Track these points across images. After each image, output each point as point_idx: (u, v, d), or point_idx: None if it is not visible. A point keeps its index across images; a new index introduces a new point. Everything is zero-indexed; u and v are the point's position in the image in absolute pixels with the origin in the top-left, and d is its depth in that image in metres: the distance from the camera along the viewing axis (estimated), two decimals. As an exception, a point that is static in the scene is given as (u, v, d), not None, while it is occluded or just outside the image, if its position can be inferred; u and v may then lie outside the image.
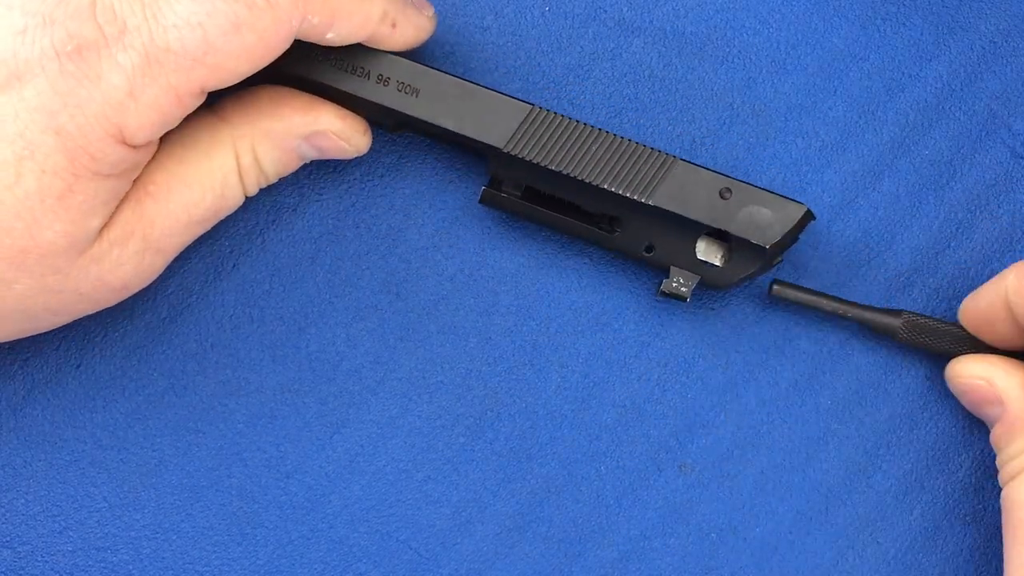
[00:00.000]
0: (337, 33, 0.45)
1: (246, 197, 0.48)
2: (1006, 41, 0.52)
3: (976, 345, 0.49)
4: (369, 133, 0.49)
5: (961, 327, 0.50)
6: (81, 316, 0.46)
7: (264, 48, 0.42)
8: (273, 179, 0.48)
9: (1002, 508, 0.47)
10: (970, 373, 0.49)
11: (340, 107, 0.48)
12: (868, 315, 0.50)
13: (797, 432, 0.51)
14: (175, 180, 0.45)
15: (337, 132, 0.47)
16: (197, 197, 0.46)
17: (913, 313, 0.50)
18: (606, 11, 0.52)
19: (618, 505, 0.51)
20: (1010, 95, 0.52)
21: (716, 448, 0.51)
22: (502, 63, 0.52)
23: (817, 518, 0.51)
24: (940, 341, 0.50)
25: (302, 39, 0.44)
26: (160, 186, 0.45)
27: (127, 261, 0.44)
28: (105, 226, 0.43)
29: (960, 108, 0.52)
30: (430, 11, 0.48)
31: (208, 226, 0.47)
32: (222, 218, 0.48)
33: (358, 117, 0.48)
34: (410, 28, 0.47)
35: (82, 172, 0.41)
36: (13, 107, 0.40)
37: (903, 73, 0.52)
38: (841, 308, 0.50)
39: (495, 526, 0.51)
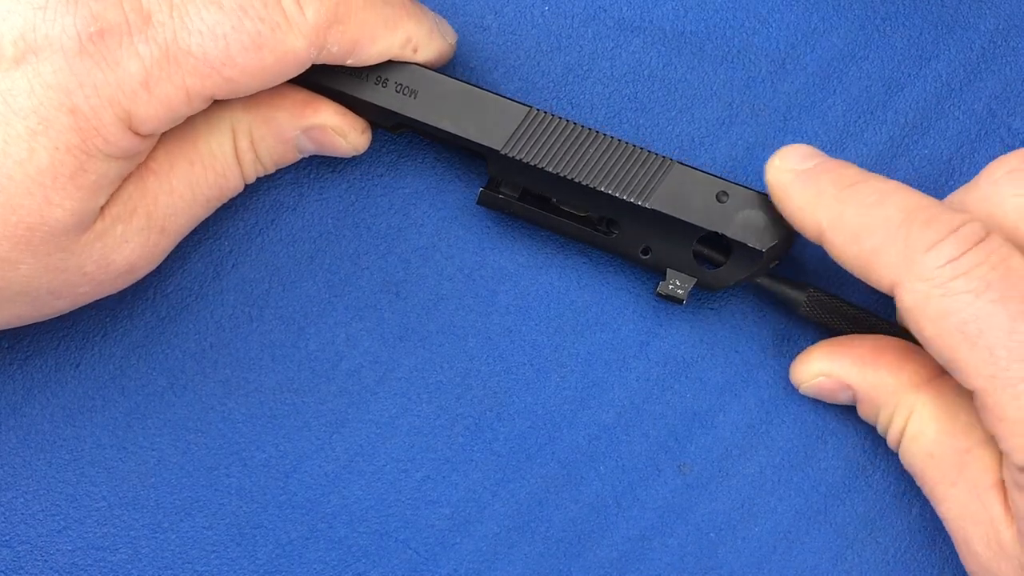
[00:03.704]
0: (357, 59, 0.45)
1: (245, 185, 0.48)
2: (1006, 41, 0.52)
3: (871, 327, 0.49)
4: (368, 132, 0.49)
5: (860, 308, 0.49)
6: (85, 302, 0.46)
7: (280, 69, 0.43)
8: (271, 168, 0.48)
9: (908, 468, 0.47)
10: (807, 376, 0.49)
11: (340, 105, 0.48)
12: (773, 285, 0.49)
13: (796, 431, 0.51)
14: (177, 158, 0.45)
15: (335, 128, 0.48)
16: (199, 175, 0.46)
17: (819, 289, 0.49)
18: (606, 11, 0.52)
19: (617, 505, 0.51)
20: (1010, 95, 0.52)
21: (715, 448, 0.51)
22: (502, 62, 0.52)
23: (816, 517, 0.51)
24: (838, 320, 0.49)
25: (321, 63, 0.45)
26: (162, 163, 0.45)
27: (131, 239, 0.44)
28: (108, 203, 0.44)
29: (960, 108, 0.52)
30: (453, 39, 0.49)
31: (211, 208, 0.47)
32: (224, 201, 0.48)
33: (358, 116, 0.48)
34: (431, 53, 0.47)
35: (94, 152, 0.41)
36: (28, 81, 0.40)
37: (903, 73, 0.52)
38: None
39: (494, 526, 0.51)
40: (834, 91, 0.52)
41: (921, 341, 0.43)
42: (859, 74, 0.52)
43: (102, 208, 0.43)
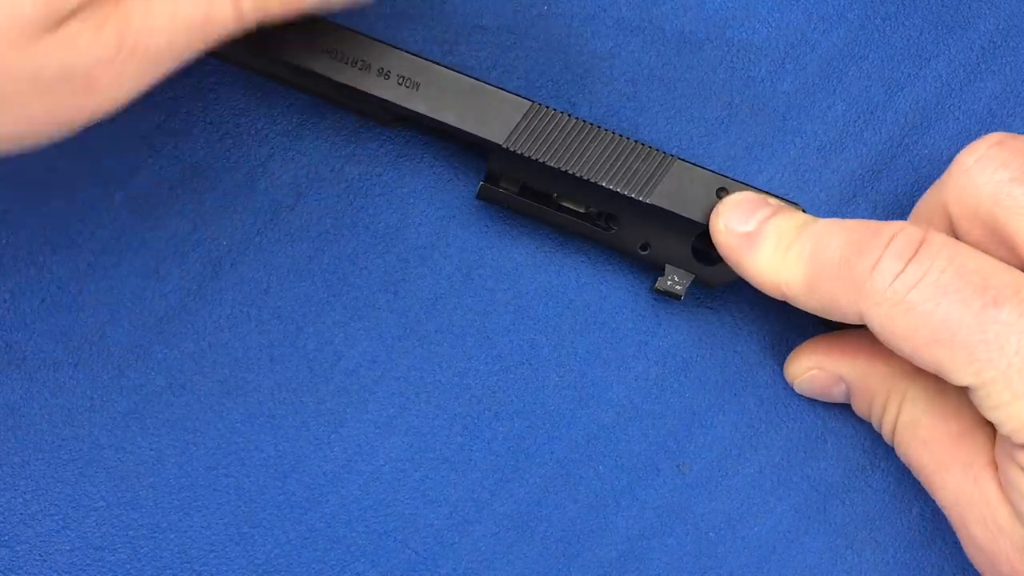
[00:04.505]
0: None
1: (240, 28, 0.42)
2: (1006, 41, 0.52)
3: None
4: None
5: None
6: (36, 126, 0.41)
7: None
8: (276, 9, 0.43)
9: (904, 458, 0.48)
10: (800, 371, 0.50)
11: None
12: None
13: (795, 431, 0.51)
14: None
15: None
16: None
17: None
18: (605, 10, 0.52)
19: (616, 504, 0.51)
20: (1010, 95, 0.52)
21: (714, 447, 0.51)
22: (500, 61, 0.52)
23: (816, 516, 0.51)
24: None
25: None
26: None
27: (98, 51, 0.40)
28: (78, 8, 0.39)
29: (960, 108, 0.52)
30: None
31: (193, 41, 0.42)
32: (211, 38, 0.42)
33: None
34: None
35: None
36: None
37: (903, 73, 0.52)
38: None
39: (493, 525, 0.50)
40: (834, 91, 0.52)
41: (902, 356, 0.44)
42: (859, 74, 0.52)
43: (72, 13, 0.39)
